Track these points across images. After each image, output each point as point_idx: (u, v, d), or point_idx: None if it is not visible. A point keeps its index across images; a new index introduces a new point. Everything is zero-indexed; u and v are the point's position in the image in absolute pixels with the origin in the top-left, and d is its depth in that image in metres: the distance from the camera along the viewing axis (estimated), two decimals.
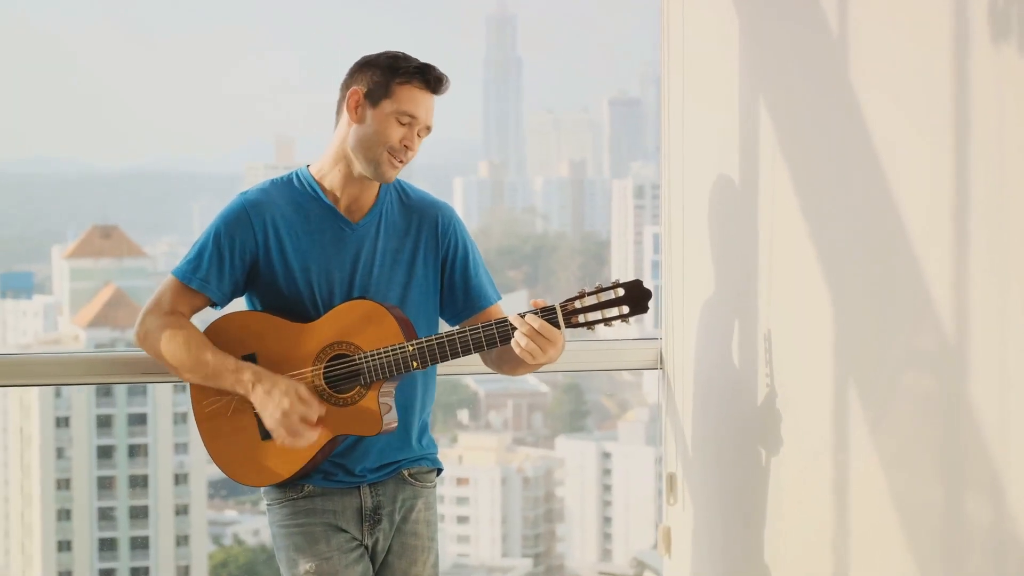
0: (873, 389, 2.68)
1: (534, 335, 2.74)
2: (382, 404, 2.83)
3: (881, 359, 2.65)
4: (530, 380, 56.49)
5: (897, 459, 2.61)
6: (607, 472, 54.93)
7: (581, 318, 2.75)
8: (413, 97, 2.85)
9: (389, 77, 2.85)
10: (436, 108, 2.90)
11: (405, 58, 2.88)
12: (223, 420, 2.90)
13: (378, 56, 2.89)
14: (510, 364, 2.94)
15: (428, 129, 2.89)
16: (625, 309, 2.74)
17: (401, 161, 2.86)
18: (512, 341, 2.76)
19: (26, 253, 67.82)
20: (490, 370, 3.07)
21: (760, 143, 3.03)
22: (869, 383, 2.69)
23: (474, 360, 3.06)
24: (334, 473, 2.92)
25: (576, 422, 60.08)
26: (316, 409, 2.81)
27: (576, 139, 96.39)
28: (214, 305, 2.93)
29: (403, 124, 2.85)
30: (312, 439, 2.82)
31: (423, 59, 2.89)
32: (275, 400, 2.81)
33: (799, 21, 2.91)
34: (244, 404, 2.88)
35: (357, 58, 2.92)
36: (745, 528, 3.13)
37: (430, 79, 2.87)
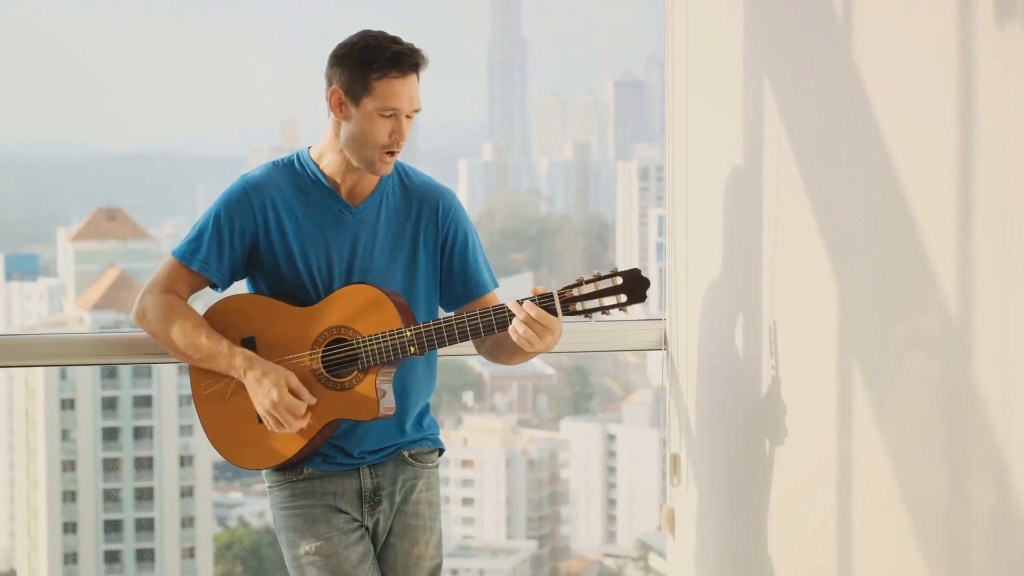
0: (877, 371, 2.67)
1: (531, 322, 2.73)
2: (379, 389, 2.82)
3: (885, 342, 2.64)
4: (535, 362, 56.38)
5: (901, 442, 2.61)
6: (611, 454, 55.04)
7: (579, 306, 2.73)
8: (392, 90, 2.78)
9: (365, 72, 2.77)
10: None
11: (377, 46, 2.78)
12: (221, 403, 2.90)
13: (351, 48, 2.80)
14: (505, 353, 2.92)
15: (416, 111, 2.83)
16: (623, 298, 2.72)
17: (394, 152, 2.83)
18: (510, 328, 2.76)
19: (31, 235, 67.95)
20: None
21: (764, 126, 3.02)
22: (873, 365, 2.69)
23: None
24: (333, 456, 2.92)
25: (581, 404, 60.17)
26: (306, 400, 2.80)
27: (581, 121, 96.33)
28: (215, 287, 2.93)
29: (388, 117, 2.79)
30: (300, 427, 2.82)
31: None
32: (264, 389, 2.80)
33: (804, 3, 2.90)
34: (242, 387, 2.87)
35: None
36: (749, 509, 3.13)
37: (404, 66, 2.79)
